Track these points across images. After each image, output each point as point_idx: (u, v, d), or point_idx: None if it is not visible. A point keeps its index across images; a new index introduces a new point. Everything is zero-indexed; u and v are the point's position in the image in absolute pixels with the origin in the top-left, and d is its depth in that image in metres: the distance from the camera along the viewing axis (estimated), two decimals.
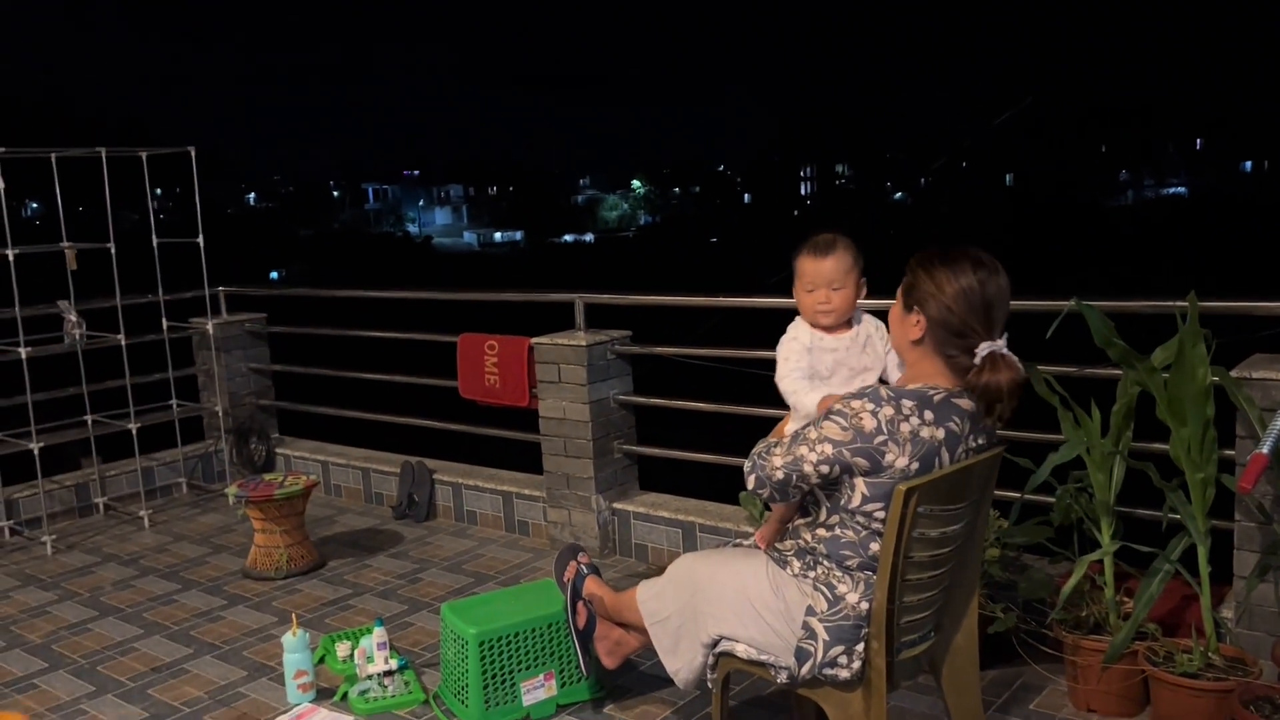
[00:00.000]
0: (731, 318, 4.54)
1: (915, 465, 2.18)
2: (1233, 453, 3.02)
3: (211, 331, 5.79)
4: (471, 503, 5.14)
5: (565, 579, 3.07)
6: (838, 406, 2.25)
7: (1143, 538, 3.13)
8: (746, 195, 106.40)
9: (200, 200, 5.59)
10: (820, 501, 2.34)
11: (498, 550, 4.80)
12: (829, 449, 2.21)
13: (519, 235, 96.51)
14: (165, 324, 5.79)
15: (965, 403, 2.25)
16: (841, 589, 2.29)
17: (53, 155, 5.30)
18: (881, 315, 2.59)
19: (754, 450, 2.43)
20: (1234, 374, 2.94)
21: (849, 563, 2.29)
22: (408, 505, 5.29)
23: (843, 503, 2.27)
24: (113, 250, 5.35)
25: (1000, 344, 2.20)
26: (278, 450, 6.07)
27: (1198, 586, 2.89)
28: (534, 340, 4.67)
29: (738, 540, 2.70)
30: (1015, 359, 2.22)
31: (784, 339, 2.65)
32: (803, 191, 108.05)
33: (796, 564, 2.37)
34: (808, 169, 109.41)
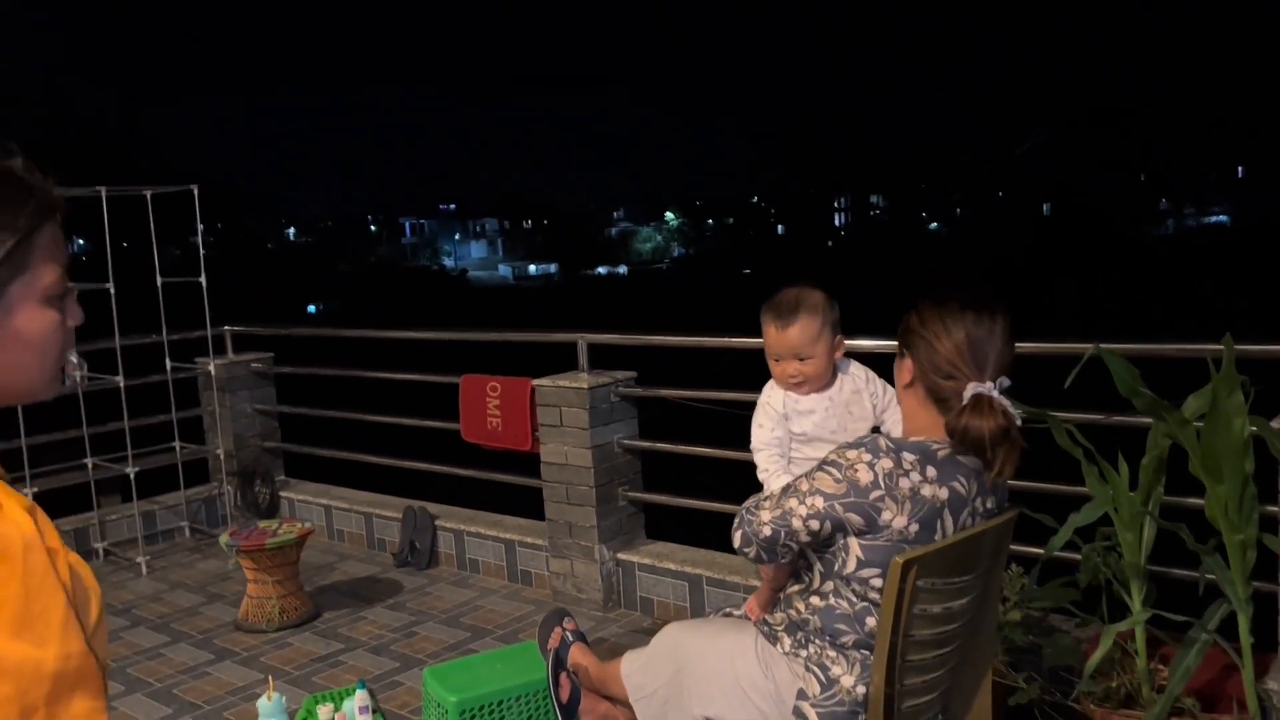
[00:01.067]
0: (746, 358, 4.33)
1: (915, 527, 1.97)
2: (1275, 509, 2.76)
3: (214, 372, 5.67)
4: (474, 550, 4.95)
5: (549, 647, 2.86)
6: (832, 456, 2.04)
7: (1178, 599, 2.88)
8: (780, 226, 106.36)
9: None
10: (813, 565, 2.12)
11: (498, 602, 4.60)
12: (820, 502, 2.00)
13: (553, 268, 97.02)
14: (169, 364, 5.68)
15: (971, 460, 2.04)
16: (835, 670, 2.06)
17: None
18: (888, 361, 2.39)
19: (744, 504, 2.24)
20: (1275, 425, 2.69)
21: (843, 640, 2.07)
22: (409, 553, 5.11)
23: (836, 567, 2.05)
24: (112, 290, 5.25)
25: (988, 386, 1.98)
26: (282, 494, 5.92)
27: (1238, 657, 2.63)
28: (535, 382, 4.49)
29: (727, 610, 2.49)
30: (1006, 404, 1.99)
31: (759, 401, 2.46)
32: (836, 222, 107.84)
33: (787, 640, 2.16)
34: (841, 199, 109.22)
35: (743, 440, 4.31)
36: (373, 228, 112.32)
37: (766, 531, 2.08)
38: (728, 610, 2.49)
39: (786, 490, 2.08)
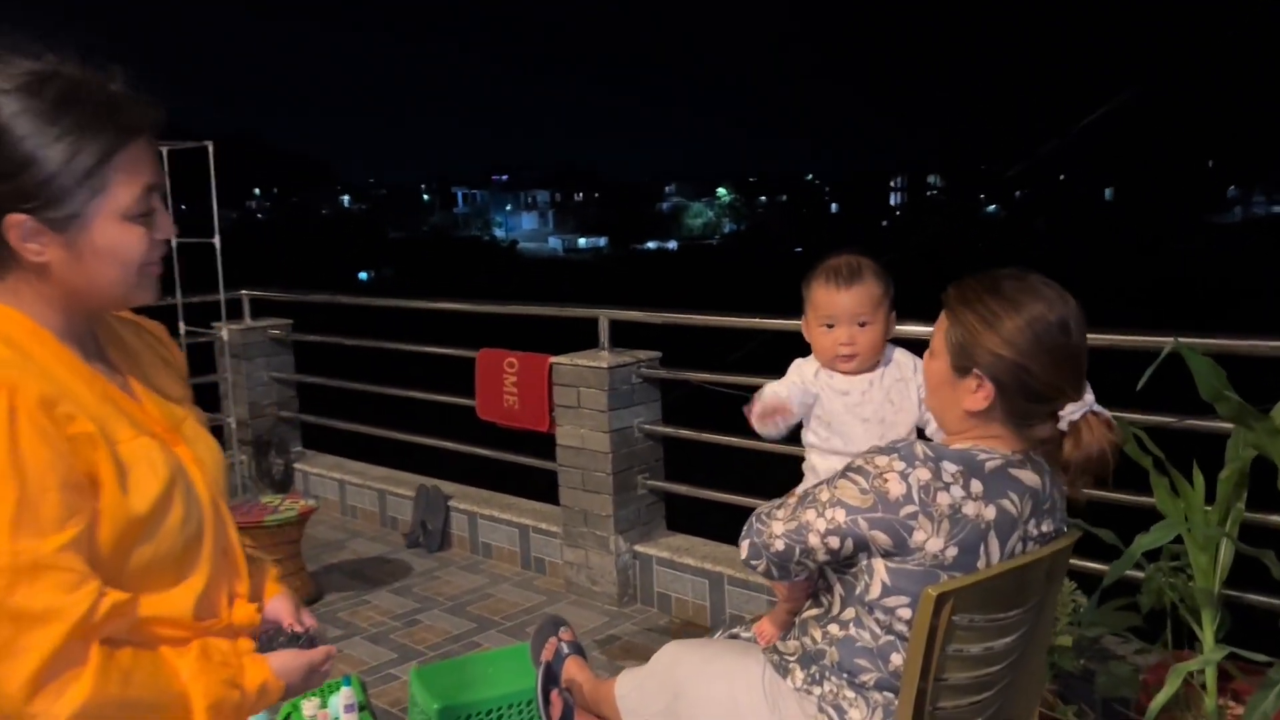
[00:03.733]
0: (779, 340, 4.01)
1: (953, 551, 1.65)
2: None
3: (226, 338, 5.46)
4: (487, 534, 4.69)
5: (542, 659, 2.58)
6: (858, 462, 1.72)
7: (1256, 630, 2.53)
8: (834, 205, 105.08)
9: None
10: (832, 586, 1.81)
11: (509, 590, 4.34)
12: (841, 516, 1.68)
13: (603, 241, 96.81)
14: (183, 328, 5.48)
15: (1028, 475, 1.71)
16: (853, 715, 1.76)
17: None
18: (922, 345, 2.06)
19: (756, 511, 1.94)
20: None
21: (864, 678, 1.76)
22: (421, 533, 4.87)
23: (858, 592, 1.74)
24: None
25: (1090, 399, 1.67)
26: (296, 466, 5.71)
27: None
28: (552, 359, 4.21)
29: (734, 630, 2.18)
30: (1108, 415, 1.69)
31: (794, 364, 2.17)
32: (892, 202, 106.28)
33: (800, 674, 1.85)
34: (898, 179, 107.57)
35: None
36: (425, 197, 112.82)
37: (779, 545, 1.78)
38: (734, 631, 2.18)
39: (804, 499, 1.77)
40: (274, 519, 4.13)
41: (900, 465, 1.66)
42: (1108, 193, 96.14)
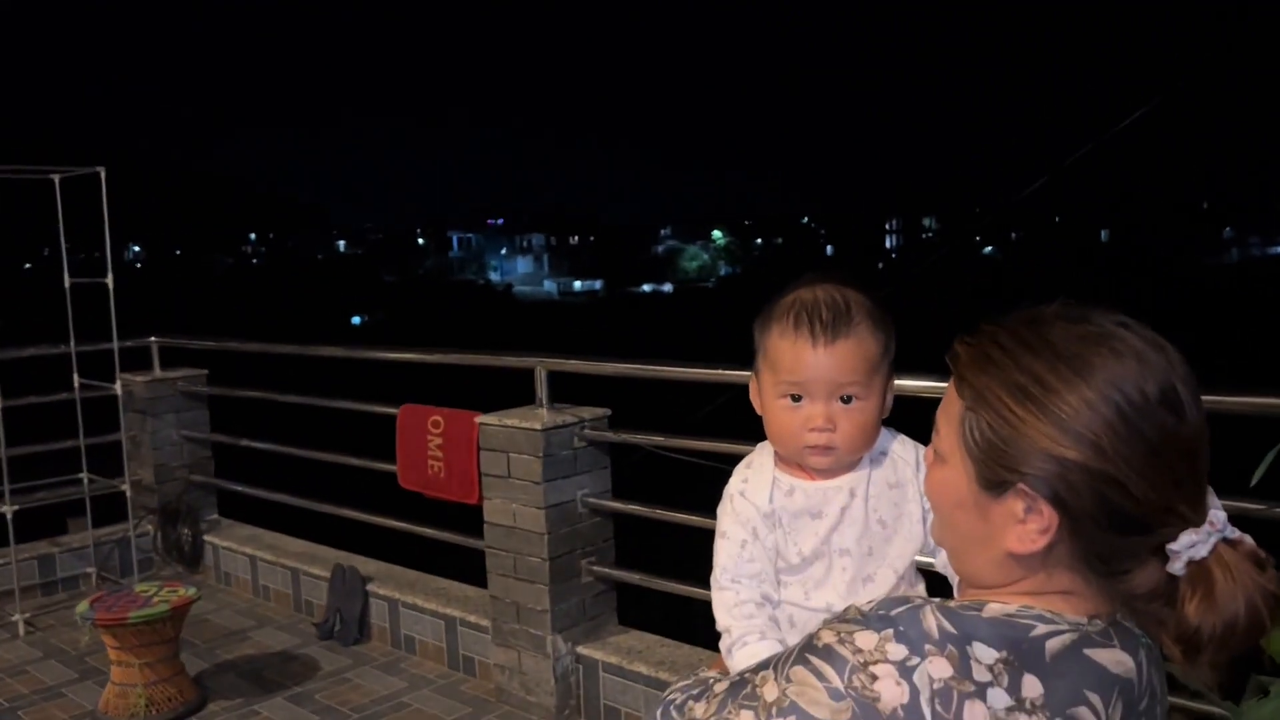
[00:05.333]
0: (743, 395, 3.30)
1: None
2: None
3: (120, 391, 4.74)
4: (410, 625, 3.95)
5: None
6: (827, 639, 1.00)
7: None
8: (829, 247, 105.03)
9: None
10: None
11: (429, 699, 3.59)
12: None
13: (598, 284, 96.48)
14: (76, 380, 4.77)
15: (1115, 657, 0.99)
16: None
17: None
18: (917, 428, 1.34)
19: (669, 692, 1.24)
20: None
21: None
22: (336, 623, 4.13)
23: None
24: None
25: (1220, 521, 0.94)
26: (207, 538, 4.97)
27: None
28: (479, 418, 3.50)
29: None
30: (1252, 544, 0.96)
31: (727, 490, 1.44)
32: (888, 244, 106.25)
33: None
34: (893, 221, 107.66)
35: None
36: (420, 240, 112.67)
37: None
38: None
39: (736, 690, 1.05)
40: (140, 615, 3.40)
41: (898, 651, 0.94)
42: (1103, 234, 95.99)
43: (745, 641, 1.34)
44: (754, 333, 1.45)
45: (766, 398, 1.40)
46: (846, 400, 1.34)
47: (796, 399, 1.36)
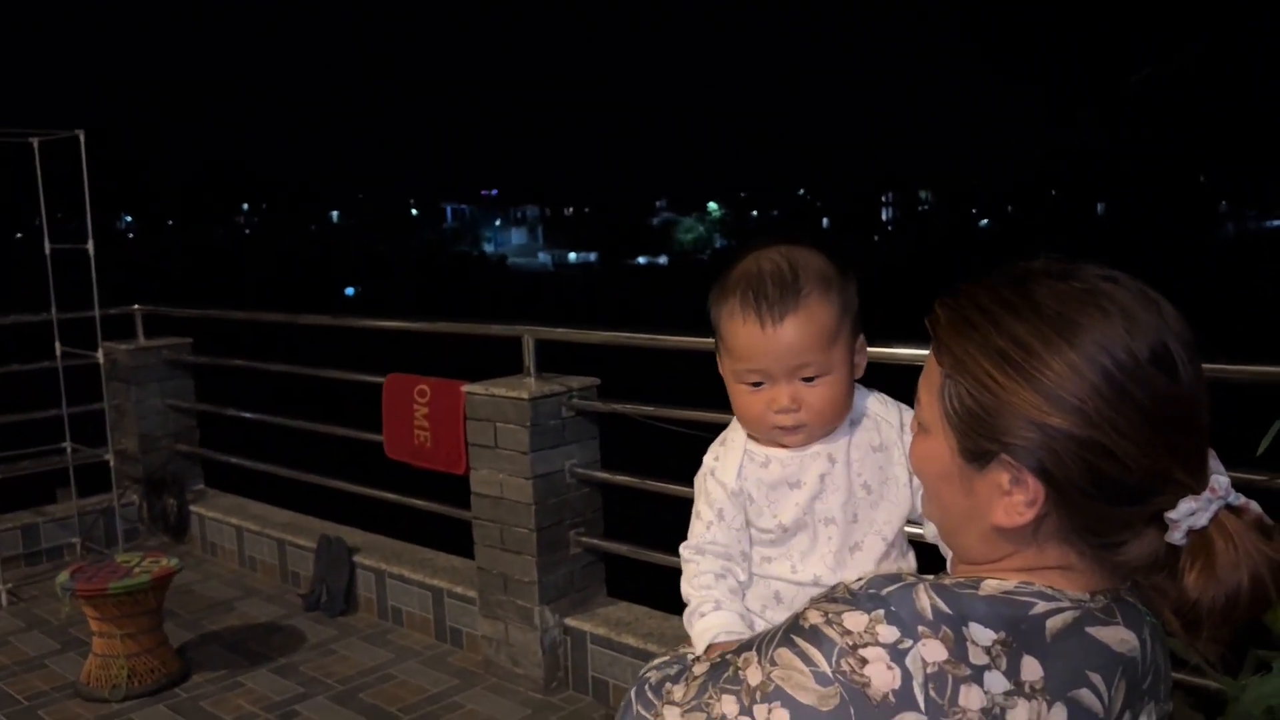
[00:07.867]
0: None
1: None
2: None
3: (102, 360, 4.66)
4: (396, 596, 3.91)
5: None
6: (812, 619, 0.94)
7: None
8: (825, 220, 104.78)
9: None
10: None
11: (415, 670, 3.55)
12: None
13: (593, 256, 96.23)
14: (59, 349, 4.69)
15: (1118, 635, 0.93)
16: None
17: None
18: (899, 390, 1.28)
19: (645, 670, 1.19)
20: None
21: None
22: (322, 594, 4.08)
23: None
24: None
25: (1223, 487, 0.88)
26: (193, 508, 4.92)
27: None
28: (466, 387, 3.44)
29: None
30: (1258, 511, 0.90)
31: (702, 469, 1.39)
32: (884, 217, 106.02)
33: None
34: (889, 194, 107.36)
35: None
36: (414, 211, 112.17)
37: None
38: None
39: (717, 673, 1.00)
40: (119, 586, 3.34)
41: (890, 633, 0.88)
42: (1099, 208, 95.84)
43: (702, 612, 1.32)
44: (709, 309, 1.38)
45: (729, 382, 1.34)
46: (809, 380, 1.28)
47: (757, 382, 1.29)
